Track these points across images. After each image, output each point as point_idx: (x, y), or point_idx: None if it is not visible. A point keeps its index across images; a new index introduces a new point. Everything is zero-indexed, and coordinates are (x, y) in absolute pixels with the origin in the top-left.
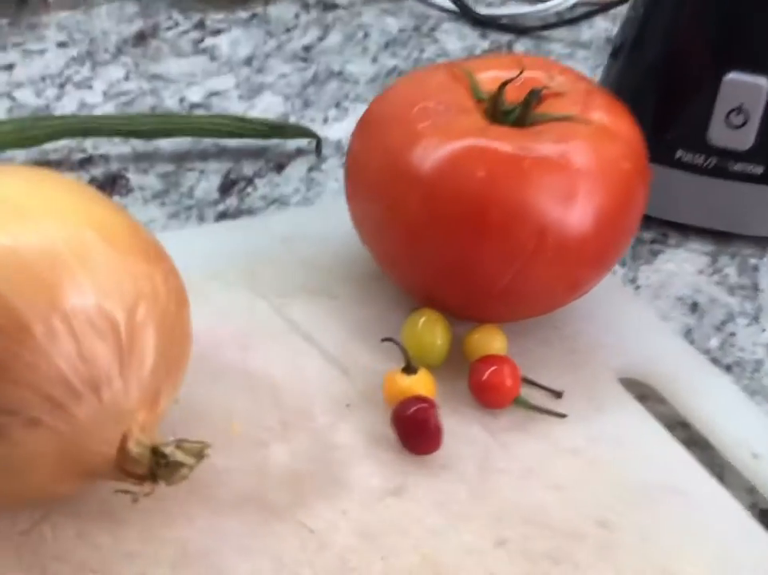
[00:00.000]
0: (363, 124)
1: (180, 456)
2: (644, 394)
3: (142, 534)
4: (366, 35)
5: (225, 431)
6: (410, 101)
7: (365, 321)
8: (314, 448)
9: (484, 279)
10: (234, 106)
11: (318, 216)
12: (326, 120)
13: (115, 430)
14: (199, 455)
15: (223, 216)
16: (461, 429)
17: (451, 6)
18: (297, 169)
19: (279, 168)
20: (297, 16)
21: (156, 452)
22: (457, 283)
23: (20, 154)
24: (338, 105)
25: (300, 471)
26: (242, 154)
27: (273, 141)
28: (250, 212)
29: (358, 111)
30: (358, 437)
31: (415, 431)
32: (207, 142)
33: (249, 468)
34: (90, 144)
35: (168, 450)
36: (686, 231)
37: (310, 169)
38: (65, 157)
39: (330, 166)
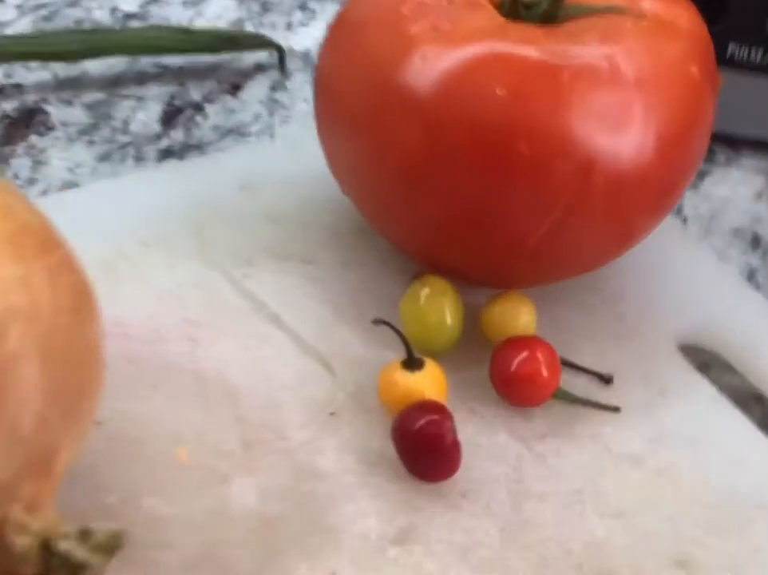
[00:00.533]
0: (337, 30)
1: (82, 553)
2: (705, 362)
3: None
4: None
5: (168, 461)
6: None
7: (350, 294)
8: (289, 480)
9: (510, 232)
10: (177, 15)
11: (286, 152)
12: (289, 26)
13: None
14: (112, 550)
15: (167, 154)
16: (484, 439)
17: None
18: (256, 90)
19: (234, 89)
20: None
21: (45, 547)
22: (473, 238)
23: None
24: (303, 7)
25: (270, 516)
26: (188, 74)
27: (225, 57)
28: (200, 147)
29: (328, 12)
30: (347, 459)
31: (425, 452)
32: (145, 62)
33: (202, 517)
34: (0, 72)
35: (64, 546)
36: (738, 145)
37: (273, 89)
38: None
39: (297, 83)
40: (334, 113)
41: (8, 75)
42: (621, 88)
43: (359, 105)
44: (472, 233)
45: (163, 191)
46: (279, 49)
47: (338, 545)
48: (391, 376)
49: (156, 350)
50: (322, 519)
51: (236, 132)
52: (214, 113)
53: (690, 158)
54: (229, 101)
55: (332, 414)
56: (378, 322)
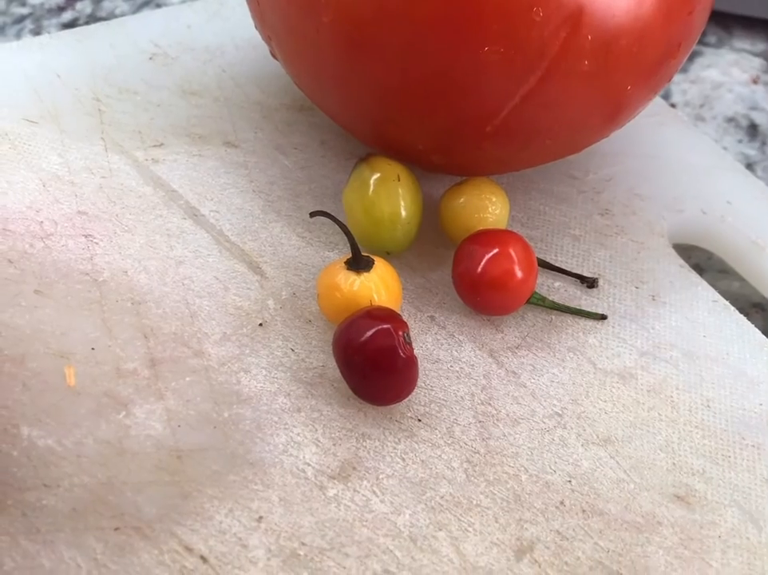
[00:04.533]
0: None
1: None
2: (701, 263)
3: None
4: None
5: (54, 384)
6: None
7: (283, 183)
8: (206, 405)
9: (477, 103)
10: None
11: (204, 17)
12: None
13: None
14: None
15: (71, 29)
16: (444, 353)
17: None
18: None
19: None
20: None
21: None
22: (432, 111)
23: None
24: None
25: (182, 450)
26: None
27: None
28: (109, 21)
29: None
30: (278, 379)
31: (374, 368)
32: None
33: (96, 451)
34: None
35: None
36: (730, 25)
37: None
38: None
39: None
40: None
41: None
42: None
43: None
44: (430, 104)
45: (55, 60)
46: None
47: (265, 483)
48: (332, 279)
49: (43, 248)
50: (246, 452)
51: (153, 4)
52: None
53: (693, 19)
54: None
55: (261, 325)
56: (316, 214)
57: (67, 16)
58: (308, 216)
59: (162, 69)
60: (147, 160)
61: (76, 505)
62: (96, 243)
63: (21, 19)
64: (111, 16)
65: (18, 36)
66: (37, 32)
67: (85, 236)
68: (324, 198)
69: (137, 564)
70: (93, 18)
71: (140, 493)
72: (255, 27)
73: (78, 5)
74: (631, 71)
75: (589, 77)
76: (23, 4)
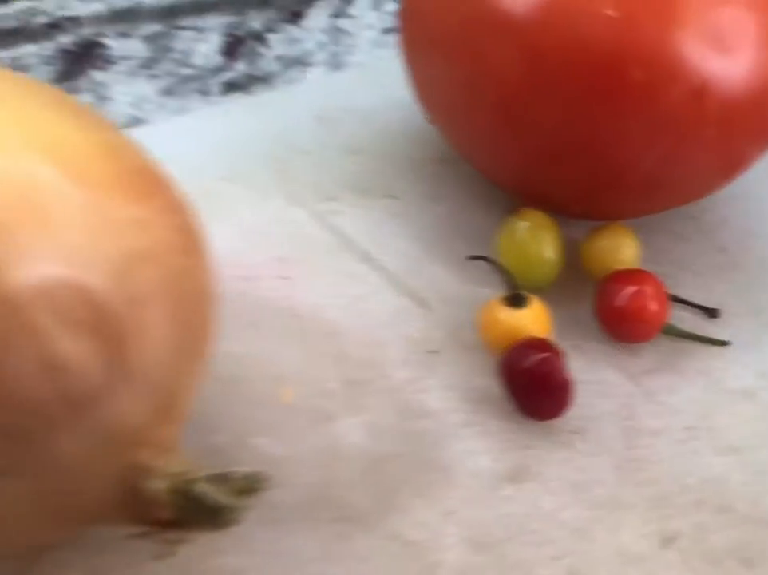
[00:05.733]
0: None
1: (219, 496)
2: None
3: (176, 569)
4: None
5: (272, 401)
6: None
7: (438, 229)
8: (395, 418)
9: (617, 163)
10: None
11: (359, 82)
12: None
13: (117, 460)
14: (250, 493)
15: (231, 87)
16: (590, 376)
17: None
18: (317, 17)
19: (295, 17)
20: None
21: (180, 490)
22: (576, 171)
23: None
24: None
25: (381, 455)
26: (245, 3)
27: None
28: (264, 79)
29: None
30: (450, 397)
31: (537, 390)
32: None
33: (313, 456)
34: (53, 4)
35: (200, 489)
36: None
37: (335, 16)
38: (23, 23)
39: (360, 10)
40: (424, 38)
41: (61, 7)
42: (735, 6)
43: (452, 28)
44: (575, 165)
45: (237, 125)
46: None
47: (451, 483)
48: (493, 313)
49: (251, 289)
50: (433, 457)
51: (301, 63)
52: (276, 43)
53: None
54: (290, 29)
55: (431, 352)
56: (475, 258)
57: (227, 75)
58: (465, 258)
59: (328, 130)
60: (324, 211)
61: (300, 500)
62: (293, 284)
63: (187, 79)
64: (265, 75)
65: (187, 94)
66: (203, 91)
67: (283, 278)
68: (475, 242)
69: (353, 549)
70: (249, 77)
71: (352, 490)
72: (413, 97)
73: (235, 65)
74: (749, 133)
75: (714, 138)
76: (187, 65)
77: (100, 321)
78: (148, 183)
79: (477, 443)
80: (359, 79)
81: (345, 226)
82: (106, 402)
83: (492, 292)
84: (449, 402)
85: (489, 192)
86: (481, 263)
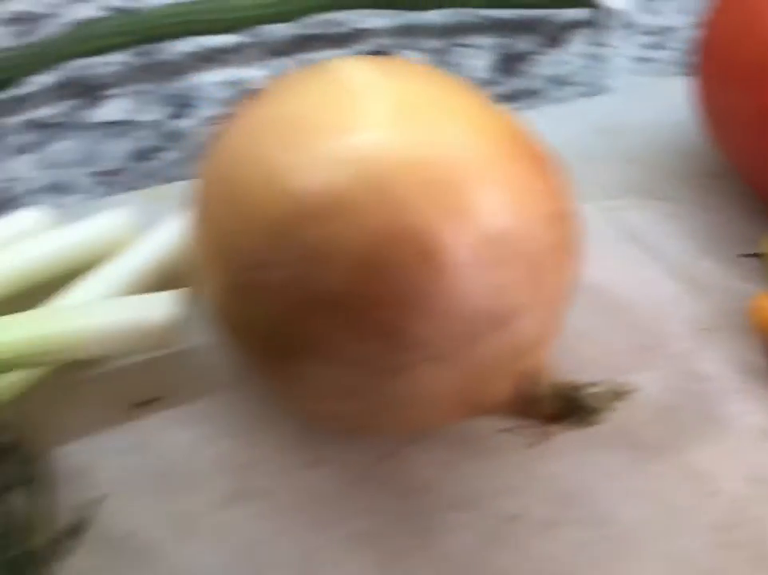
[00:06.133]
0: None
1: (592, 402)
2: None
3: (509, 469)
4: None
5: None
6: None
7: (712, 230)
8: (680, 378)
9: None
10: None
11: (632, 102)
12: None
13: (515, 367)
14: (615, 400)
15: (504, 99)
16: None
17: None
18: (577, 45)
19: (557, 42)
20: None
21: (561, 393)
22: None
23: (278, 29)
24: None
25: (669, 404)
26: (514, 27)
27: (548, 12)
28: (534, 94)
29: None
30: (725, 368)
31: None
32: (478, 14)
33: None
34: (351, 17)
35: (579, 394)
36: None
37: (593, 44)
38: (325, 30)
39: (615, 40)
40: (722, 70)
41: (358, 20)
42: None
43: (754, 65)
44: None
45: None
46: (597, 8)
47: (729, 432)
48: (764, 304)
49: None
50: (713, 412)
51: (565, 82)
52: (541, 63)
53: None
54: (554, 52)
55: (706, 329)
56: (748, 255)
57: (500, 89)
58: (732, 256)
59: (609, 143)
60: (611, 209)
61: (604, 433)
62: (590, 265)
63: None
64: (534, 90)
65: None
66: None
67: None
68: (741, 246)
69: (647, 471)
70: (520, 92)
71: (646, 428)
72: (694, 116)
73: (507, 81)
74: None
75: None
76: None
77: (527, 262)
78: (550, 167)
79: (750, 406)
80: (632, 100)
81: (628, 221)
82: (522, 321)
83: (753, 286)
84: (724, 372)
85: (753, 205)
86: (745, 262)
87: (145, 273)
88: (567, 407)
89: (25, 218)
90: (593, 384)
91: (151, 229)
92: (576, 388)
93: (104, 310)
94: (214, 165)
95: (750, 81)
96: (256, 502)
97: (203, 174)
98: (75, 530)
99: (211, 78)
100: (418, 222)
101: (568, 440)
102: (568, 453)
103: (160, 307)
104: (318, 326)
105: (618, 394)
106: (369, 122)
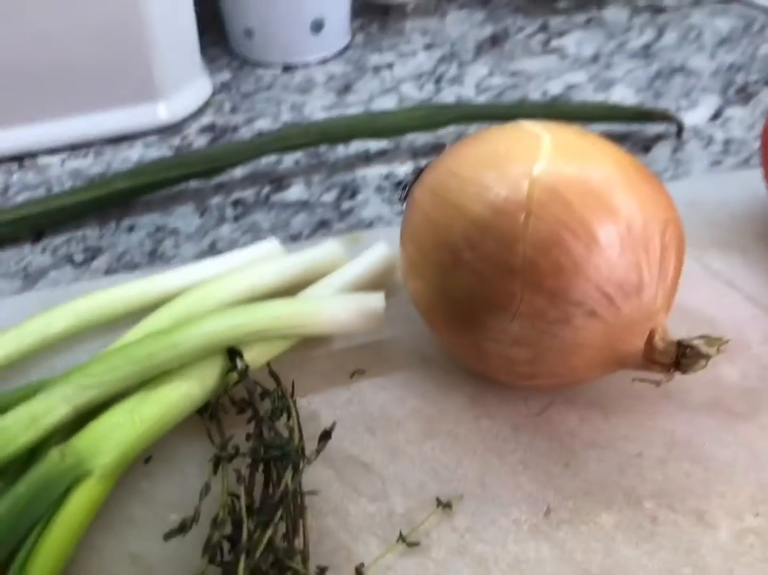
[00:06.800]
0: None
1: (705, 348)
2: None
3: (633, 423)
4: (698, 34)
5: None
6: None
7: None
8: (758, 370)
9: None
10: (590, 97)
11: (711, 185)
12: (678, 109)
13: (646, 326)
14: (719, 349)
15: None
16: None
17: None
18: (661, 151)
19: (645, 149)
20: (630, 18)
21: (681, 345)
22: None
23: (417, 137)
24: (687, 96)
25: (751, 386)
26: (607, 138)
27: (634, 127)
28: None
29: (708, 101)
30: None
31: None
32: (587, 127)
33: (706, 381)
34: (474, 129)
35: (695, 342)
36: None
37: (674, 151)
38: (455, 140)
39: (692, 148)
40: None
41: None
42: None
43: None
44: None
45: None
46: (679, 123)
47: None
48: None
49: None
50: None
51: None
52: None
53: None
54: (643, 157)
55: None
56: None
57: None
58: None
59: (695, 211)
60: (698, 256)
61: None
62: (680, 294)
63: None
64: None
65: None
66: None
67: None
68: None
69: (739, 430)
70: None
71: (737, 399)
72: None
73: None
74: None
75: None
76: None
77: (654, 247)
78: (656, 183)
79: None
80: (710, 184)
81: (713, 265)
82: (650, 290)
83: None
84: None
85: None
86: None
87: (359, 281)
88: (683, 355)
89: (264, 247)
90: (701, 337)
91: (360, 254)
92: (690, 341)
93: (335, 300)
94: (430, 187)
95: None
96: (442, 439)
97: (422, 194)
98: (317, 446)
99: (368, 172)
100: (582, 215)
101: (675, 406)
102: (676, 414)
103: (372, 301)
104: (506, 288)
105: (720, 343)
106: (543, 154)
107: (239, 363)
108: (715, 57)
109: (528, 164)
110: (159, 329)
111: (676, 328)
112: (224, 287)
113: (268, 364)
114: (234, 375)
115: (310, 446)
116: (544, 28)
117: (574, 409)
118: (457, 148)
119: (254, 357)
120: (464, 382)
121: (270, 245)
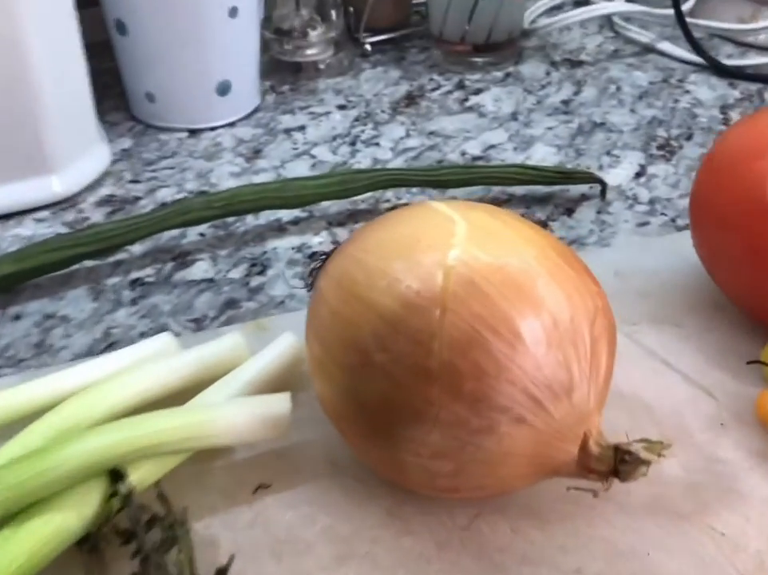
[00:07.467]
0: (710, 163)
1: (644, 454)
2: None
3: (569, 531)
4: (618, 88)
5: None
6: (761, 141)
7: (716, 347)
8: (701, 461)
9: None
10: (511, 157)
11: (639, 252)
12: (601, 168)
13: (578, 430)
14: (660, 453)
15: None
16: None
17: (693, 59)
18: (585, 213)
19: (569, 212)
20: (548, 73)
21: (618, 450)
22: None
23: (332, 205)
24: (609, 153)
25: (695, 481)
26: (530, 201)
27: (557, 188)
28: None
29: (630, 158)
30: (741, 454)
31: None
32: (496, 190)
33: (647, 478)
34: (391, 195)
35: (634, 447)
36: None
37: (599, 212)
38: (372, 206)
39: (617, 209)
40: (712, 222)
41: (398, 197)
42: None
43: (733, 214)
44: None
45: None
46: (602, 183)
47: (746, 502)
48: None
49: None
50: (731, 486)
51: (578, 242)
52: (557, 228)
53: None
54: (566, 220)
55: (722, 424)
56: (753, 362)
57: None
58: (737, 368)
59: (624, 282)
60: (629, 332)
61: (645, 500)
62: (616, 377)
63: None
64: None
65: None
66: None
67: None
68: (745, 357)
69: (674, 533)
70: None
71: (681, 498)
72: (699, 260)
73: None
74: None
75: None
76: None
77: (582, 342)
78: (585, 269)
79: (763, 481)
80: (640, 250)
81: (646, 342)
82: (581, 390)
83: (760, 389)
84: (739, 456)
85: (754, 329)
86: (753, 368)
87: (262, 379)
88: (622, 461)
89: (156, 342)
90: (640, 440)
91: (263, 349)
92: (629, 446)
93: (233, 406)
94: (336, 278)
95: (733, 228)
96: (358, 563)
97: (327, 285)
98: None
99: (279, 244)
100: (502, 309)
101: (615, 509)
102: (617, 519)
103: (276, 404)
104: (422, 394)
105: (661, 447)
106: (457, 241)
107: (121, 487)
108: (636, 112)
109: (442, 251)
110: (30, 450)
111: (612, 417)
112: (110, 394)
113: (157, 484)
114: (117, 501)
115: None
116: (460, 85)
117: (504, 519)
118: (363, 232)
119: (142, 477)
120: (380, 492)
121: (163, 339)
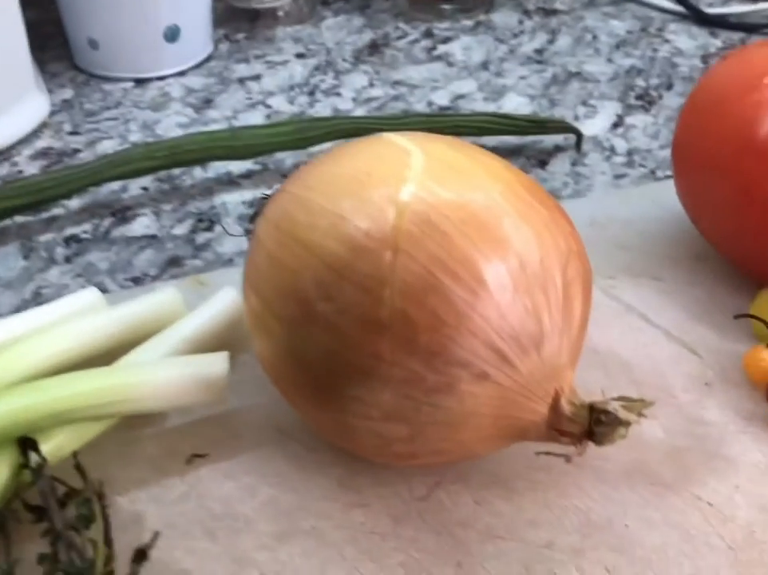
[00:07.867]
0: (695, 102)
1: (623, 414)
2: None
3: (539, 502)
4: (594, 37)
5: None
6: (753, 74)
7: (699, 302)
8: (685, 424)
9: None
10: (481, 108)
11: (616, 202)
12: (576, 118)
13: (549, 387)
14: (641, 413)
15: None
16: None
17: (673, 7)
18: (560, 165)
19: (542, 164)
20: (521, 22)
21: (594, 409)
22: None
23: (287, 156)
24: (585, 103)
25: (678, 446)
26: (501, 152)
27: (529, 139)
28: None
29: (607, 108)
30: (727, 414)
31: None
32: (476, 141)
33: (625, 441)
34: None
35: (612, 406)
36: None
37: (574, 164)
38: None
39: (593, 160)
40: (698, 165)
41: None
42: None
43: (721, 155)
44: None
45: None
46: (578, 133)
47: (734, 468)
48: (760, 357)
49: None
50: (718, 451)
51: (552, 195)
52: None
53: None
54: (540, 172)
55: (706, 384)
56: (741, 316)
57: None
58: (722, 323)
59: (600, 233)
60: (606, 286)
61: (620, 470)
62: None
63: None
64: None
65: None
66: None
67: None
68: (728, 314)
69: (665, 504)
70: None
71: (659, 466)
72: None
73: None
74: None
75: None
76: None
77: (554, 289)
78: (566, 214)
79: (752, 445)
80: (616, 200)
81: (623, 296)
82: (552, 342)
83: (745, 345)
84: (726, 418)
85: (735, 281)
86: (737, 323)
87: (199, 338)
88: (598, 422)
89: (81, 298)
90: (618, 398)
91: (201, 304)
92: (605, 404)
93: (163, 366)
94: (274, 220)
95: (721, 170)
96: (302, 540)
97: (265, 229)
98: (134, 568)
99: (229, 198)
100: (463, 251)
101: (590, 477)
102: (592, 488)
103: (213, 364)
104: (371, 348)
105: (642, 406)
106: (412, 175)
107: (32, 458)
108: (613, 61)
109: (394, 187)
110: None
111: (586, 378)
112: (25, 354)
113: (75, 455)
114: (28, 473)
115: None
116: (428, 34)
117: (467, 489)
118: (306, 170)
119: (58, 446)
120: (330, 461)
121: (89, 295)
